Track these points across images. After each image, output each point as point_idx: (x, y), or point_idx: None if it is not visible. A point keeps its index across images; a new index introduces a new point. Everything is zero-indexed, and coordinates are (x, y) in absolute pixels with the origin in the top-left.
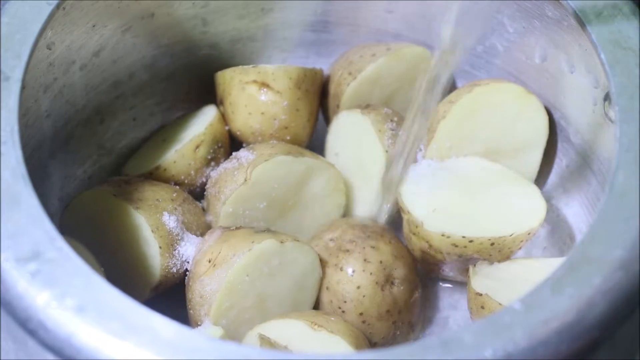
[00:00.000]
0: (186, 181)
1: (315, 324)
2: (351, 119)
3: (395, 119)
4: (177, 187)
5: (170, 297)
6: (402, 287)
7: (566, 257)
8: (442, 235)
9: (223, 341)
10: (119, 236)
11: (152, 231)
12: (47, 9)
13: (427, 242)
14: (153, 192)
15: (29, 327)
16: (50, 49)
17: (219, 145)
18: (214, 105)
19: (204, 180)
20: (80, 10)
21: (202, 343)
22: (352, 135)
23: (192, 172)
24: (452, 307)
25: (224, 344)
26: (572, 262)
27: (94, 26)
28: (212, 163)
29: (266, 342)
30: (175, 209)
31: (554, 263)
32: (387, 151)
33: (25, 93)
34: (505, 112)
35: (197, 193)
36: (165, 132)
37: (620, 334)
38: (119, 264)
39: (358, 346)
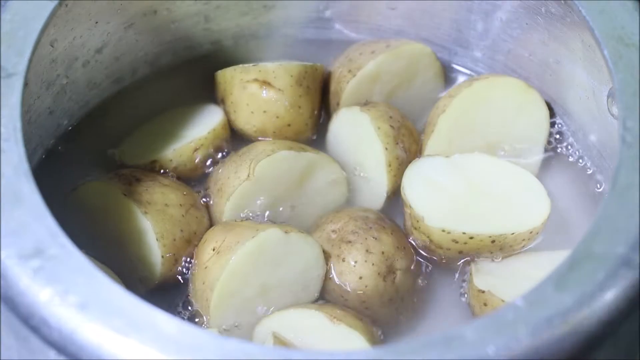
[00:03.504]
0: (179, 176)
1: (335, 318)
2: (351, 116)
3: (395, 115)
4: (187, 188)
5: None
6: (404, 277)
7: (569, 254)
8: (443, 230)
9: (226, 338)
10: (122, 234)
11: (157, 239)
12: (50, 5)
13: (428, 237)
14: (162, 195)
15: (32, 323)
16: (52, 46)
17: (218, 149)
18: (220, 107)
19: (198, 175)
20: (83, 7)
21: (205, 340)
22: (352, 132)
23: (187, 171)
24: (456, 292)
25: (226, 341)
26: (574, 258)
27: (96, 23)
28: (208, 163)
29: (279, 341)
30: (183, 215)
31: (557, 258)
32: (386, 148)
33: (27, 90)
34: (506, 107)
35: (191, 184)
36: (164, 122)
37: (623, 330)
38: (116, 258)
39: (374, 343)
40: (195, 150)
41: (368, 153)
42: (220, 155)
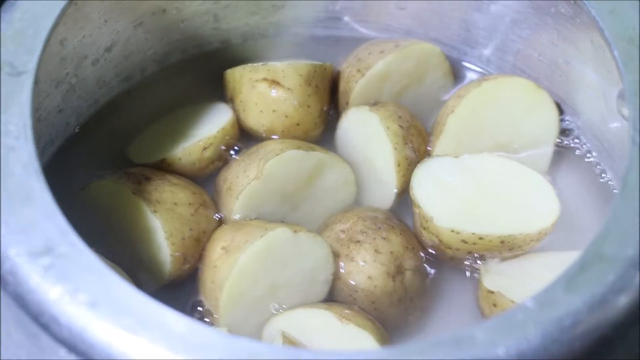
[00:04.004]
0: (187, 175)
1: (344, 317)
2: (360, 116)
3: (404, 115)
4: (196, 188)
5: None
6: (413, 277)
7: (579, 255)
8: (452, 231)
9: (235, 337)
10: (132, 233)
11: (166, 238)
12: (60, 4)
13: (437, 237)
14: (172, 194)
15: (42, 321)
16: (62, 45)
17: (227, 148)
18: (230, 106)
19: (207, 174)
20: (92, 6)
21: (214, 339)
22: (361, 131)
23: (195, 170)
24: (465, 293)
25: (235, 340)
26: (585, 260)
27: (105, 22)
28: (217, 162)
29: (288, 340)
30: (192, 214)
31: (566, 258)
32: (395, 148)
33: (37, 88)
34: (515, 107)
35: (200, 183)
36: (173, 121)
37: (633, 332)
38: (125, 257)
39: (383, 342)
40: (205, 149)
41: (377, 153)
42: (229, 154)
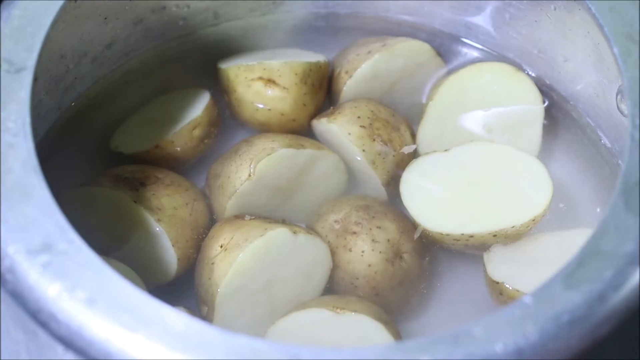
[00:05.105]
0: (180, 157)
1: (337, 308)
2: (322, 128)
3: (364, 113)
4: (186, 182)
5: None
6: (411, 259)
7: (577, 252)
8: (441, 234)
9: (234, 334)
10: (131, 237)
11: (173, 245)
12: (59, 2)
13: (431, 236)
14: (169, 199)
15: (40, 318)
16: (61, 42)
17: (213, 126)
18: (206, 90)
19: (197, 153)
20: (92, 3)
21: (213, 336)
22: (330, 140)
23: (188, 150)
24: (463, 268)
25: (234, 337)
26: (583, 256)
27: (105, 19)
28: (206, 140)
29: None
30: (190, 214)
31: (568, 238)
32: (364, 150)
33: (36, 85)
34: (496, 92)
35: (189, 165)
36: (154, 110)
37: (632, 329)
38: (122, 256)
39: (382, 320)
40: (194, 128)
41: (350, 156)
42: (216, 131)
